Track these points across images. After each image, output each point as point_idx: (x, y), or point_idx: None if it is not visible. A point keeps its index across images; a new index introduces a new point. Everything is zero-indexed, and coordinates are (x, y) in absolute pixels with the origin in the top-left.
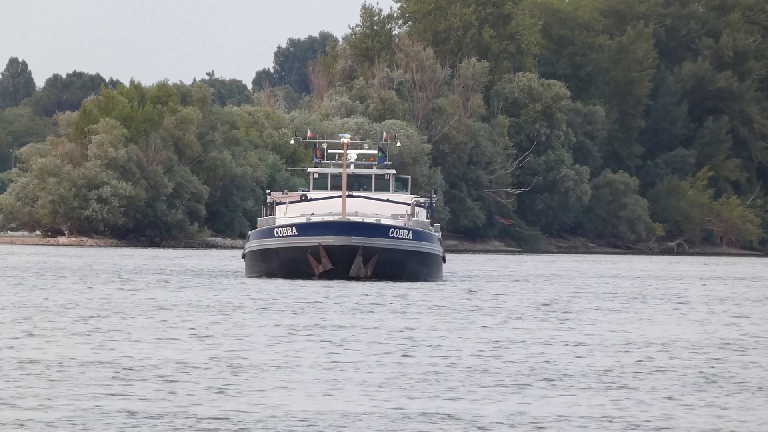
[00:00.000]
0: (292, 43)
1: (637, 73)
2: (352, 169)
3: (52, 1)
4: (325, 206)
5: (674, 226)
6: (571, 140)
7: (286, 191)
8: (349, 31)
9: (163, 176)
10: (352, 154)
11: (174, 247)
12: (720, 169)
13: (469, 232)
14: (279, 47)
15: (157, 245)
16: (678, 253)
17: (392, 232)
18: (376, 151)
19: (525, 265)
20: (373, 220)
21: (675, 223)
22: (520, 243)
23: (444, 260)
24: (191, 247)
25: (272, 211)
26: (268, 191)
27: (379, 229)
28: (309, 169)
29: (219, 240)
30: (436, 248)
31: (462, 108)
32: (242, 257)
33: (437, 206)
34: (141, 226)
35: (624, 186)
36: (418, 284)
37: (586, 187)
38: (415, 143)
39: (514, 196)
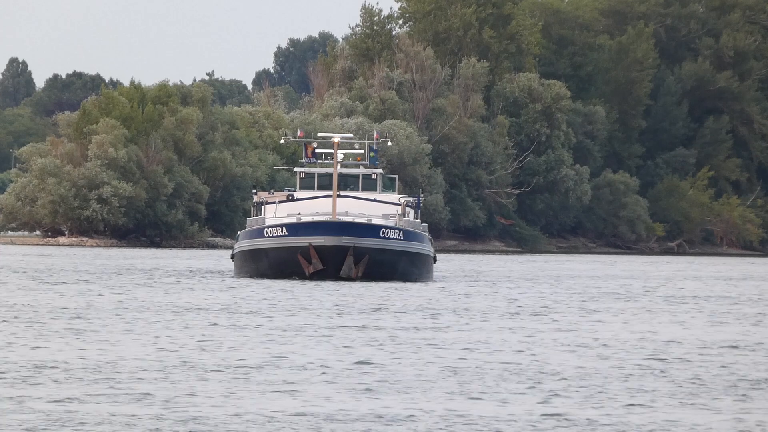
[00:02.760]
0: (292, 43)
1: (637, 73)
2: (339, 169)
3: (52, 1)
4: (313, 206)
5: (674, 226)
6: (571, 140)
7: (272, 191)
8: (349, 31)
9: (163, 176)
10: (339, 154)
11: (174, 247)
12: (720, 169)
13: (469, 232)
14: (279, 47)
15: (157, 245)
16: (678, 254)
17: (383, 233)
18: (363, 151)
19: (517, 265)
20: (363, 220)
21: (675, 223)
22: (520, 243)
23: (435, 260)
24: (191, 247)
25: (259, 211)
26: (254, 191)
27: (370, 229)
28: (296, 169)
29: (219, 240)
30: (426, 248)
31: (462, 108)
32: (231, 258)
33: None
34: (141, 227)
35: (624, 186)
36: (409, 285)
37: (586, 187)
38: (415, 143)
39: (515, 196)
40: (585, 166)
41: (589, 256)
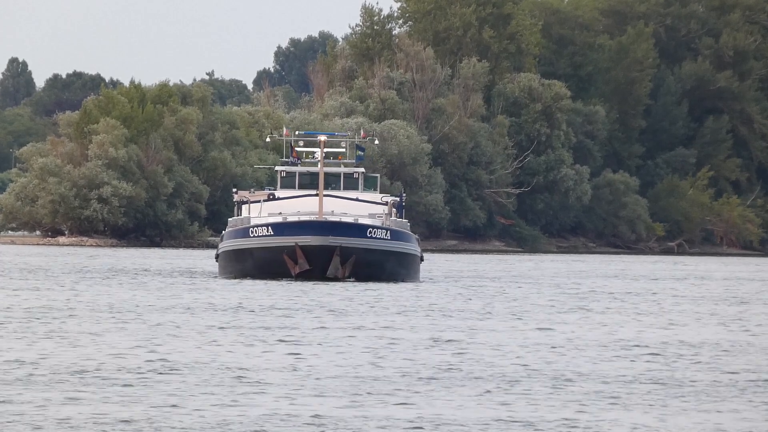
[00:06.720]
0: (293, 43)
1: (637, 73)
2: (319, 168)
3: (52, 1)
4: (296, 205)
5: (674, 226)
6: (571, 140)
7: (252, 190)
8: (350, 31)
9: (163, 176)
10: (318, 153)
11: (174, 247)
12: (720, 169)
13: (469, 232)
14: (279, 47)
15: (157, 245)
16: (678, 253)
17: (370, 232)
18: (344, 150)
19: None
20: (350, 220)
21: (675, 223)
22: (520, 243)
23: (421, 260)
24: (191, 247)
25: (240, 211)
26: (234, 190)
27: (357, 229)
28: (276, 167)
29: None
30: (414, 248)
31: (462, 108)
32: (215, 258)
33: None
34: (141, 226)
35: (624, 186)
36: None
37: (586, 187)
38: (415, 143)
39: (514, 196)
40: (585, 166)
41: (589, 256)
